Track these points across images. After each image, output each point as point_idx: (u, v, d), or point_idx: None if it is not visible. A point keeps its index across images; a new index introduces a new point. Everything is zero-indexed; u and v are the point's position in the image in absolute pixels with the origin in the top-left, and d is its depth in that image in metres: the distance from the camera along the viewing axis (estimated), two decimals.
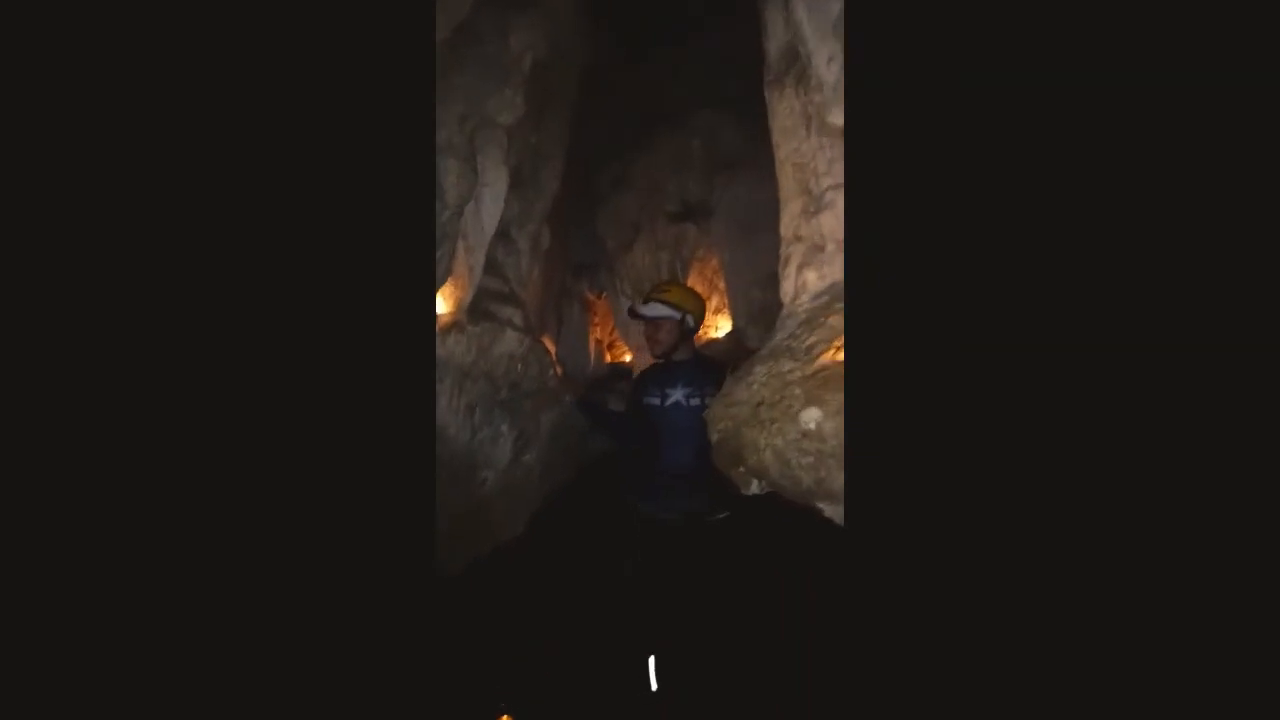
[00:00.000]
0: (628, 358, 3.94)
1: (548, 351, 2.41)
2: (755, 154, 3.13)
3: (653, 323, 1.65)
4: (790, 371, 1.20)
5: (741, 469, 1.34)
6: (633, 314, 1.67)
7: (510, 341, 2.26)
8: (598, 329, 3.87)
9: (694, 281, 3.25)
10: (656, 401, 1.67)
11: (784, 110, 1.48)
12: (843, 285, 1.28)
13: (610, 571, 1.97)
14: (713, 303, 3.35)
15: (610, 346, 4.01)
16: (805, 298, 1.38)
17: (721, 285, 3.21)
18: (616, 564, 2.00)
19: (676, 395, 1.64)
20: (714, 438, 1.36)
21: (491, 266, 2.33)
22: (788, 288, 1.43)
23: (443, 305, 2.18)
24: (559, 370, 2.36)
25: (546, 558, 2.29)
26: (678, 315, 1.64)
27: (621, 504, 1.94)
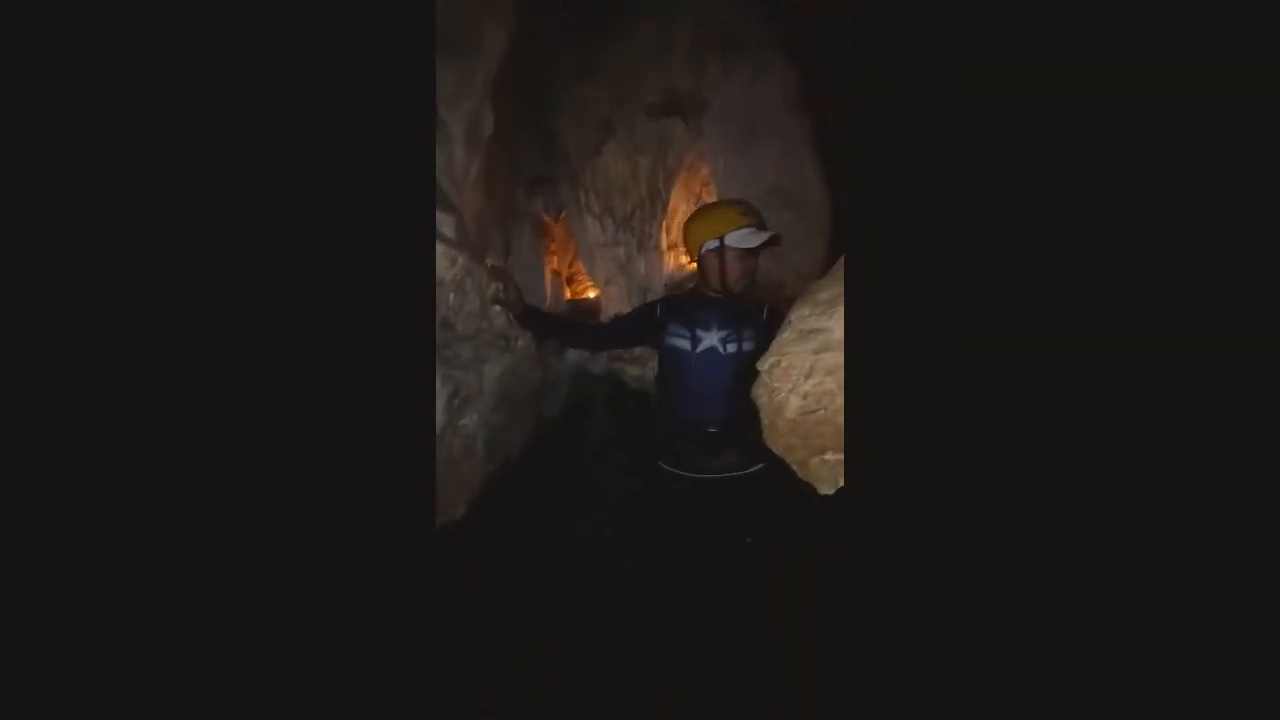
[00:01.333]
0: (592, 294, 3.30)
1: (492, 277, 1.76)
2: (757, 36, 2.49)
3: (750, 254, 1.28)
4: None
5: (830, 455, 0.79)
6: (728, 246, 1.27)
7: (439, 262, 1.60)
8: (555, 259, 3.18)
9: (680, 195, 2.62)
10: (685, 345, 1.31)
11: None
12: None
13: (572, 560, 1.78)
14: None
15: (570, 280, 3.34)
16: None
17: (713, 201, 2.60)
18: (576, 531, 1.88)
19: (711, 339, 1.28)
20: (791, 408, 0.79)
21: None
22: None
23: None
24: (510, 300, 1.72)
25: (494, 551, 1.77)
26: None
27: (594, 461, 1.84)
